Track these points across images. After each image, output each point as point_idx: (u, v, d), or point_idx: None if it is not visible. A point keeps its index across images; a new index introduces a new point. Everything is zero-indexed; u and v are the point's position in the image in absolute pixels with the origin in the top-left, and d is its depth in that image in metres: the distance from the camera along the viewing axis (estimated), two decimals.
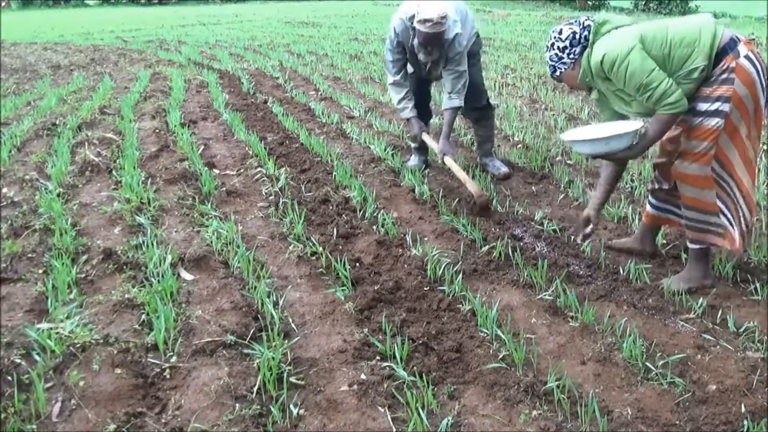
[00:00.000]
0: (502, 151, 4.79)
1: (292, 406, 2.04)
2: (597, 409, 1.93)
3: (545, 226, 3.39)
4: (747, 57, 2.44)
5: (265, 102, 6.85)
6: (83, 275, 2.92)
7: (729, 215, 2.58)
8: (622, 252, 3.06)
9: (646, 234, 3.01)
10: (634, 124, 2.63)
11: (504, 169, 4.25)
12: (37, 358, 2.25)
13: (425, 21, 3.58)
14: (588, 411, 1.94)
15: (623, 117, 2.74)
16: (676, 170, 2.60)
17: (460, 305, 2.62)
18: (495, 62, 9.07)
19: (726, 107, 2.44)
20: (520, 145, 4.91)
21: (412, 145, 4.45)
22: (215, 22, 21.20)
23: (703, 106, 2.49)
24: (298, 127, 5.55)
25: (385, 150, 4.75)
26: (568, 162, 4.50)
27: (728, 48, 2.44)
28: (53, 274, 2.86)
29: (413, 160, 4.45)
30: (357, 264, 3.01)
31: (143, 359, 2.28)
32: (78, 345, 2.30)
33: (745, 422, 1.87)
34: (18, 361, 2.23)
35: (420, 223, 3.53)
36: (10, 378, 2.12)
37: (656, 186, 2.87)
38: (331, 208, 3.72)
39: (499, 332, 2.37)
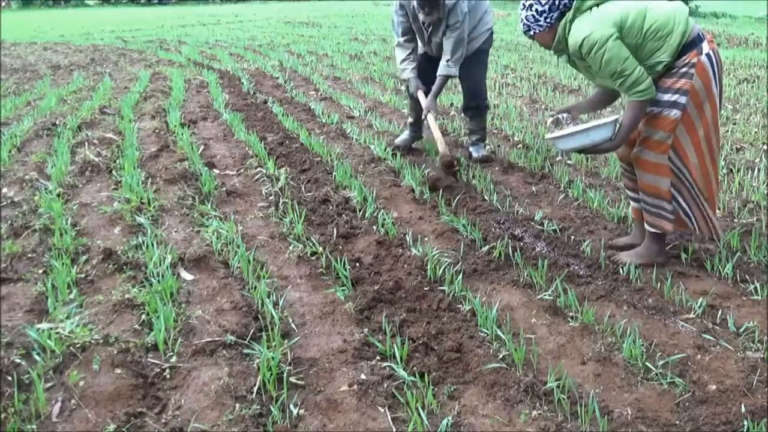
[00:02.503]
0: (502, 150, 4.79)
1: (292, 406, 2.04)
2: (597, 409, 1.93)
3: (545, 226, 3.39)
4: (708, 55, 2.61)
5: (265, 102, 6.85)
6: (83, 275, 2.92)
7: (683, 202, 2.76)
8: (623, 251, 3.05)
9: (643, 230, 3.01)
10: (611, 117, 2.78)
11: (483, 152, 4.54)
12: (37, 358, 2.25)
13: None
14: (588, 411, 1.94)
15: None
16: (635, 155, 2.75)
17: (460, 305, 2.62)
18: (495, 62, 9.07)
19: (683, 100, 2.61)
20: (520, 145, 4.91)
21: (409, 119, 4.70)
22: (215, 22, 21.21)
23: (663, 96, 2.65)
24: (298, 127, 5.55)
25: (385, 150, 4.75)
26: (568, 162, 4.50)
27: (692, 45, 2.61)
28: (53, 274, 2.86)
29: (402, 135, 4.68)
30: (357, 264, 3.01)
31: (143, 359, 2.28)
32: (78, 345, 2.30)
33: (745, 422, 1.87)
34: (18, 361, 2.23)
35: (420, 223, 3.53)
36: (10, 378, 2.12)
37: (627, 176, 2.99)
38: (331, 208, 3.72)
39: (499, 332, 2.37)
